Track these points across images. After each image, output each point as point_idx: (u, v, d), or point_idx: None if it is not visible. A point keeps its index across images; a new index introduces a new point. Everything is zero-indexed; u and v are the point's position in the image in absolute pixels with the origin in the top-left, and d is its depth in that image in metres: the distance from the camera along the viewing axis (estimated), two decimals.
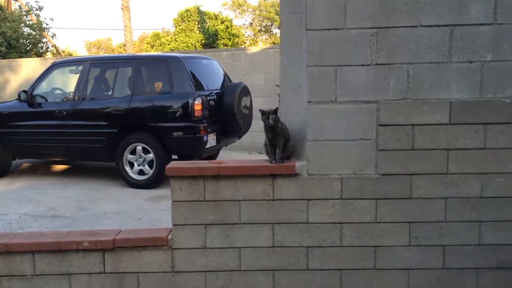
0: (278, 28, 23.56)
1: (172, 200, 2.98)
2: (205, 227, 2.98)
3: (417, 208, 2.92)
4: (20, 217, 5.12)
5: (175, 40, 21.77)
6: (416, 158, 2.88)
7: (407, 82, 2.82)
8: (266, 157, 3.10)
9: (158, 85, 6.02)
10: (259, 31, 24.11)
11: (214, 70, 6.78)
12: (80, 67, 6.64)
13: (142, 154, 5.98)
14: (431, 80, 2.82)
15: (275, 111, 2.89)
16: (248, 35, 24.69)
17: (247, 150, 8.79)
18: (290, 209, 2.96)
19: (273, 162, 2.94)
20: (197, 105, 5.73)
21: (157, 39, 23.73)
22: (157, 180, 5.96)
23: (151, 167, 5.98)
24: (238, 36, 22.24)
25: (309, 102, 2.87)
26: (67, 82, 7.36)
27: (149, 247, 3.01)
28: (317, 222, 2.96)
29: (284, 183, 2.94)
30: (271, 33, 24.09)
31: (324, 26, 2.82)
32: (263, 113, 2.90)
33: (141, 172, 6.06)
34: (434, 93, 2.83)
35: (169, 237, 3.00)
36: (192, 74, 6.01)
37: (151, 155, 5.92)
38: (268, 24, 23.34)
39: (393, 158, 2.88)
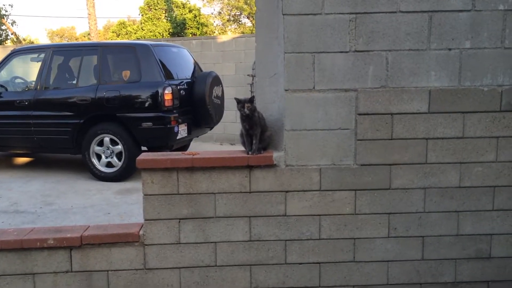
0: (247, 17, 23.34)
1: (144, 194, 2.83)
2: (179, 222, 2.85)
3: (396, 199, 2.87)
4: None
5: (142, 29, 21.22)
6: (396, 147, 2.82)
7: (386, 69, 2.76)
8: (242, 148, 2.98)
9: (126, 74, 5.79)
10: (227, 20, 23.82)
11: (184, 59, 6.58)
12: (42, 55, 6.30)
13: (110, 146, 5.75)
14: (410, 67, 2.76)
15: (251, 100, 2.77)
16: (217, 25, 24.37)
17: (218, 141, 8.65)
18: (267, 201, 2.86)
19: (250, 153, 2.83)
20: (167, 94, 5.54)
21: (123, 27, 23.06)
22: (126, 173, 5.74)
23: (119, 159, 5.76)
24: (206, 26, 21.89)
25: (286, 90, 2.77)
26: (28, 70, 7.00)
27: (120, 243, 2.85)
28: (295, 215, 2.87)
29: (261, 174, 2.84)
30: (240, 22, 23.85)
31: (301, 10, 2.71)
32: (239, 101, 2.77)
33: (109, 165, 5.83)
34: (413, 81, 2.77)
35: (141, 232, 2.85)
36: (161, 62, 5.80)
37: (119, 147, 5.70)
38: (237, 13, 23.08)
39: (373, 148, 2.82)
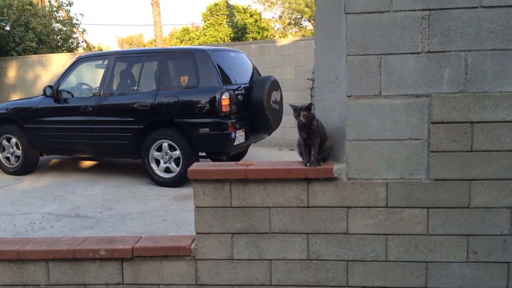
0: (308, 20, 23.02)
1: (195, 206, 2.69)
2: (232, 236, 2.68)
3: (476, 219, 2.52)
4: (43, 216, 4.97)
5: (204, 35, 21.59)
6: (476, 161, 2.48)
7: (465, 72, 2.43)
8: (300, 158, 2.76)
9: (184, 79, 5.76)
10: (288, 24, 23.63)
11: (243, 63, 6.46)
12: (106, 62, 6.45)
13: (168, 151, 5.74)
14: (494, 70, 2.41)
15: (308, 107, 2.54)
16: (278, 28, 24.25)
17: (277, 146, 8.47)
18: (327, 217, 2.62)
19: (308, 164, 2.60)
20: (225, 100, 5.44)
21: (187, 33, 23.61)
22: (183, 178, 5.70)
23: (177, 165, 5.73)
24: (267, 30, 21.85)
25: (348, 96, 2.51)
26: (93, 77, 7.21)
27: (171, 256, 2.73)
28: (358, 233, 2.60)
29: (321, 188, 2.60)
30: (300, 26, 23.58)
31: (366, 8, 2.45)
32: (295, 109, 2.56)
33: (167, 170, 5.83)
34: (497, 85, 2.42)
35: (193, 246, 2.72)
36: (219, 67, 5.71)
37: (177, 152, 5.67)
38: (298, 16, 22.83)
39: (448, 161, 2.49)
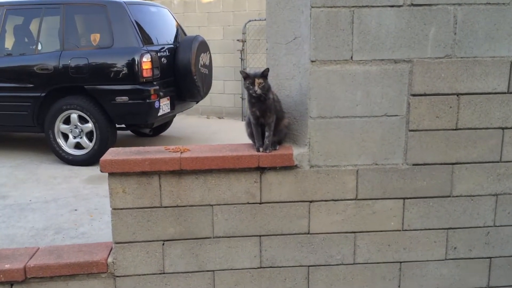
0: None
1: (113, 208, 2.02)
2: (163, 245, 2.06)
3: (458, 210, 2.13)
4: None
5: None
6: (461, 141, 2.06)
7: (454, 32, 1.96)
8: (249, 140, 2.18)
9: (95, 38, 4.84)
10: None
11: (165, 21, 5.63)
12: None
13: (79, 124, 4.85)
14: (486, 29, 1.96)
15: (263, 74, 1.94)
16: None
17: (204, 114, 7.79)
18: (284, 215, 2.09)
19: (261, 149, 2.03)
20: (146, 63, 4.64)
21: None
22: (98, 155, 4.87)
23: (90, 140, 4.88)
24: None
25: (313, 61, 1.95)
26: None
27: (80, 275, 2.06)
28: (322, 233, 2.11)
29: (277, 179, 2.05)
30: None
31: None
32: (246, 76, 1.94)
33: (78, 146, 4.96)
34: (489, 49, 1.98)
35: (110, 260, 2.06)
36: (138, 24, 4.86)
37: (89, 125, 4.81)
38: None
39: (430, 142, 2.05)
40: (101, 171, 1.96)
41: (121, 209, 2.02)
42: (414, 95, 2.00)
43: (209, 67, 5.68)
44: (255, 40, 7.19)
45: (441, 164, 2.08)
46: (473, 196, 2.12)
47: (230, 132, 6.51)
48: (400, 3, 1.92)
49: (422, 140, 2.04)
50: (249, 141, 2.17)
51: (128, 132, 6.17)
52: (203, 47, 5.42)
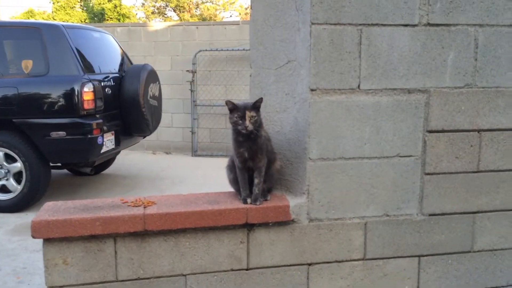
0: (174, 10, 21.67)
1: (48, 286, 1.47)
2: None
3: (479, 267, 1.79)
4: None
5: (53, 19, 18.80)
6: (483, 185, 1.74)
7: (474, 57, 1.67)
8: (231, 188, 1.73)
9: (27, 64, 4.21)
10: (152, 12, 21.90)
11: (110, 48, 5.10)
12: None
13: (5, 164, 4.13)
14: (510, 55, 1.69)
15: (255, 106, 1.52)
16: (140, 17, 22.37)
17: (150, 149, 7.20)
18: (277, 283, 1.64)
19: (249, 200, 1.59)
20: (87, 93, 4.07)
21: (31, 16, 20.40)
22: (28, 200, 4.17)
23: (18, 182, 4.16)
24: (128, 17, 19.90)
25: (313, 90, 1.57)
26: None
27: None
28: None
29: (269, 237, 1.61)
30: (165, 15, 22.02)
31: None
32: (234, 108, 1.51)
33: (3, 189, 4.22)
34: None
35: None
36: (78, 50, 4.31)
37: (18, 165, 4.11)
38: (163, 5, 21.30)
39: (449, 187, 1.71)
40: (33, 237, 1.42)
41: (61, 287, 1.48)
42: (431, 131, 1.67)
43: (159, 98, 5.18)
44: (205, 71, 6.81)
45: (461, 213, 1.74)
46: (496, 250, 1.80)
47: (180, 169, 5.99)
48: (415, 21, 1.60)
49: (440, 186, 1.70)
50: (231, 189, 1.72)
51: (65, 170, 5.46)
52: (153, 76, 4.93)
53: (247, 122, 1.47)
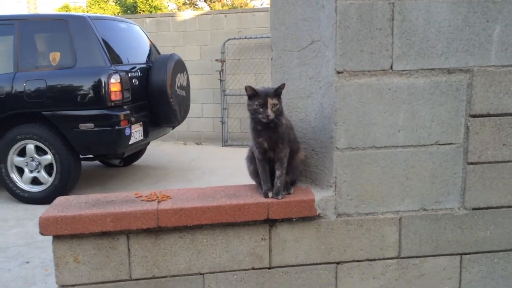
0: (204, 1, 21.62)
1: (59, 285, 1.41)
2: None
3: None
4: None
5: (88, 13, 19.14)
6: None
7: None
8: (252, 181, 1.61)
9: (55, 57, 4.23)
10: (183, 4, 21.97)
11: (137, 38, 5.07)
12: None
13: (36, 156, 4.18)
14: None
15: (277, 92, 1.39)
16: (172, 9, 22.48)
17: (181, 140, 7.18)
18: (303, 283, 1.52)
19: (270, 194, 1.46)
20: (114, 84, 4.04)
21: (67, 11, 20.84)
22: (59, 192, 4.21)
23: (49, 174, 4.21)
24: (160, 9, 20.02)
25: (339, 72, 1.41)
26: None
27: None
28: None
29: (292, 234, 1.48)
30: (196, 6, 22.07)
31: None
32: (254, 95, 1.38)
33: (35, 181, 4.28)
34: None
35: None
36: (105, 41, 4.29)
37: (48, 157, 4.15)
38: None
39: (495, 178, 1.53)
40: (41, 233, 1.35)
41: (73, 286, 1.40)
42: (474, 116, 1.49)
43: (187, 88, 5.12)
44: (234, 60, 6.70)
45: (508, 207, 1.56)
46: None
47: (210, 159, 5.93)
48: None
49: (485, 176, 1.52)
50: (252, 182, 1.60)
51: (96, 162, 5.50)
52: (180, 66, 4.86)
53: (269, 111, 1.33)
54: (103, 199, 1.49)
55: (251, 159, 1.53)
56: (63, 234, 1.35)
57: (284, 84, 1.37)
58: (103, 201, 1.46)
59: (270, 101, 1.33)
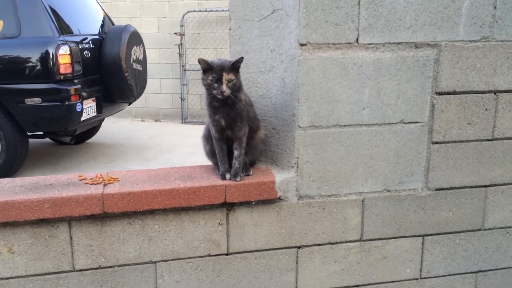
0: None
1: None
2: None
3: (490, 247, 1.60)
4: None
5: None
6: (497, 155, 1.52)
7: (493, 4, 1.41)
8: (209, 162, 1.50)
9: None
10: None
11: (89, 8, 4.75)
12: None
13: None
14: None
15: (234, 66, 1.27)
16: None
17: (138, 116, 6.92)
18: (262, 269, 1.44)
19: (228, 175, 1.35)
20: (63, 56, 3.77)
21: None
22: (4, 172, 3.94)
23: None
24: None
25: (302, 45, 1.31)
26: None
27: None
28: None
29: (252, 218, 1.40)
30: None
31: None
32: (208, 68, 1.26)
33: None
34: None
35: None
36: (53, 10, 3.98)
37: None
38: None
39: (459, 158, 1.49)
40: None
41: (8, 278, 1.26)
42: (440, 93, 1.43)
43: (143, 62, 4.87)
44: (194, 34, 6.46)
45: (471, 187, 1.53)
46: (509, 228, 1.60)
47: (169, 137, 5.74)
48: None
49: (449, 156, 1.48)
50: (209, 163, 1.49)
51: (47, 140, 5.20)
52: (135, 38, 4.61)
53: (224, 86, 1.22)
54: (42, 182, 1.34)
55: (207, 137, 1.42)
56: None
57: (242, 58, 1.25)
58: (41, 185, 1.31)
59: (226, 76, 1.21)
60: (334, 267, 1.49)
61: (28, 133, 4.09)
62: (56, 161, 4.59)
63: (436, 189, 1.50)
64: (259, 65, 1.47)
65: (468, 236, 1.57)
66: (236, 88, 1.25)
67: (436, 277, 1.58)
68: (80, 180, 1.36)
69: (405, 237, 1.52)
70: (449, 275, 1.59)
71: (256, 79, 1.48)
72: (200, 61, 1.23)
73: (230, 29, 1.49)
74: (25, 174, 4.10)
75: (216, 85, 1.22)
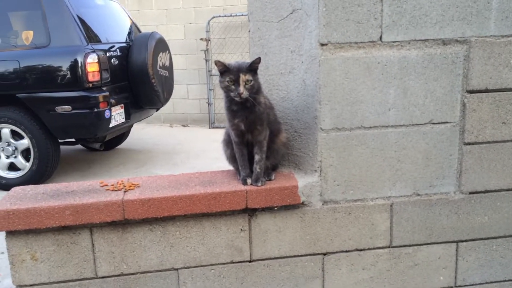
0: None
1: (17, 285, 1.27)
2: None
3: None
4: None
5: None
6: None
7: None
8: (230, 166, 1.47)
9: (28, 35, 4.00)
10: None
11: (116, 16, 4.84)
12: None
13: (12, 141, 4.00)
14: None
15: (252, 67, 1.24)
16: None
17: (167, 122, 7.00)
18: (287, 276, 1.39)
19: (249, 180, 1.32)
20: (91, 64, 3.84)
21: None
22: (38, 178, 4.04)
23: (27, 159, 4.04)
24: None
25: (323, 45, 1.27)
26: None
27: None
28: None
29: (275, 224, 1.36)
30: None
31: None
32: (226, 70, 1.24)
33: (12, 167, 4.10)
34: None
35: None
36: (81, 19, 4.07)
37: (25, 141, 3.97)
38: None
39: (494, 159, 1.41)
40: None
41: (31, 285, 1.27)
42: (471, 91, 1.35)
43: (170, 68, 4.92)
44: (220, 39, 6.48)
45: (508, 190, 1.44)
46: None
47: (197, 142, 5.77)
48: None
49: (483, 157, 1.40)
50: (230, 167, 1.47)
51: (78, 146, 5.31)
52: (162, 45, 4.65)
53: (241, 88, 1.19)
54: (64, 189, 1.34)
55: (227, 142, 1.39)
56: (16, 229, 1.21)
57: (259, 58, 1.22)
58: (63, 192, 1.31)
59: (243, 77, 1.18)
60: (362, 274, 1.44)
61: (60, 140, 4.18)
62: (87, 167, 4.67)
63: (470, 193, 1.43)
64: (279, 67, 1.43)
65: (506, 242, 1.48)
66: (255, 90, 1.22)
67: (472, 285, 1.50)
68: (102, 186, 1.36)
69: (437, 243, 1.45)
70: (486, 283, 1.50)
71: (276, 81, 1.44)
72: (217, 63, 1.21)
73: (249, 31, 1.46)
74: (57, 180, 4.19)
75: (233, 87, 1.20)
